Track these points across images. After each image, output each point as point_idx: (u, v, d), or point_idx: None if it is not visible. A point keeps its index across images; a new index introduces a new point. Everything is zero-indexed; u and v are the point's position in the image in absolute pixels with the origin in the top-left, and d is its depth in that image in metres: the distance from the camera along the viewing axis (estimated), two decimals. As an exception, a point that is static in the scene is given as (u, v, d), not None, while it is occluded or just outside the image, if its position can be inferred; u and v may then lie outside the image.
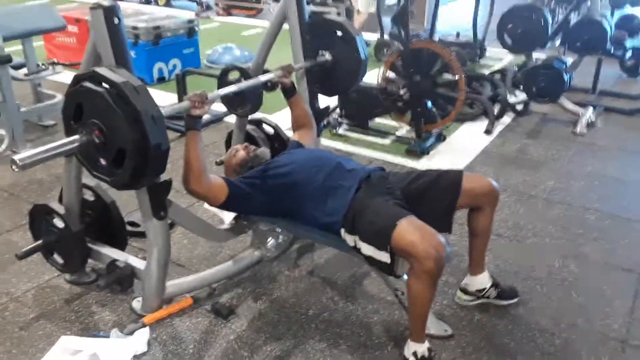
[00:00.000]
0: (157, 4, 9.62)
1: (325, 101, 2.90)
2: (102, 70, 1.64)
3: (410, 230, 1.76)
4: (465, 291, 2.26)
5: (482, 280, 2.22)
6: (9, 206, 3.00)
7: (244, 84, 2.41)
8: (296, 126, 2.52)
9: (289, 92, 2.46)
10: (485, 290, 2.22)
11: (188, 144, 1.94)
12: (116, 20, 1.78)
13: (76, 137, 1.66)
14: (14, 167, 1.55)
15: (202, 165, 1.96)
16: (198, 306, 2.21)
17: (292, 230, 2.33)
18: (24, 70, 3.84)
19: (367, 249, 1.86)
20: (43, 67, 3.85)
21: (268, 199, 2.09)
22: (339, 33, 2.64)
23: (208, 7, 8.95)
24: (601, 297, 2.31)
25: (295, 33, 2.61)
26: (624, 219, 2.94)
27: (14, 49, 3.82)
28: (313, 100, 2.70)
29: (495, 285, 2.23)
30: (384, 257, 1.81)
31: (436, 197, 2.04)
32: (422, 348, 1.90)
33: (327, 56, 2.67)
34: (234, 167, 2.32)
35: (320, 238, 2.16)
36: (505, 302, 2.25)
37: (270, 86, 2.56)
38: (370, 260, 1.87)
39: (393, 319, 2.18)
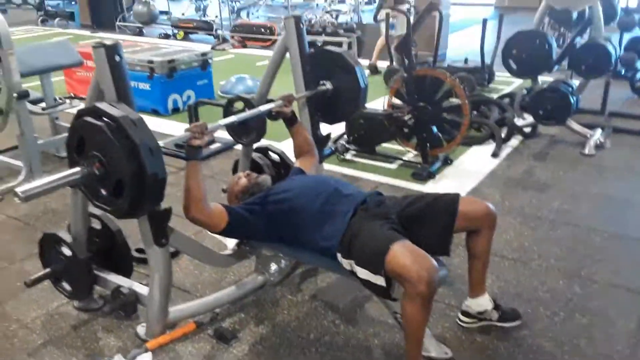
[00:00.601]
0: (175, 38, 9.94)
1: (331, 128, 2.96)
2: (102, 105, 1.73)
3: (402, 253, 1.79)
4: (466, 314, 2.26)
5: (482, 303, 2.23)
6: (23, 235, 3.10)
7: (245, 114, 2.49)
8: (298, 153, 2.57)
9: (290, 121, 2.52)
10: (486, 313, 2.23)
11: (188, 173, 2.01)
12: (117, 58, 1.87)
13: (77, 169, 1.74)
14: (16, 199, 1.62)
15: (202, 194, 2.02)
16: (201, 331, 2.25)
17: (293, 255, 2.37)
18: (43, 105, 4.01)
19: (362, 273, 1.88)
20: (60, 101, 4.01)
21: (268, 224, 2.14)
22: (340, 63, 2.73)
23: (224, 40, 9.20)
24: (605, 319, 2.29)
25: (296, 64, 2.69)
26: (630, 239, 2.91)
27: (33, 84, 4.00)
28: (315, 128, 2.77)
29: (496, 307, 2.23)
30: (380, 280, 1.83)
31: (433, 221, 2.05)
32: (418, 370, 1.90)
33: (328, 85, 2.75)
34: (236, 194, 2.37)
35: (320, 262, 2.20)
36: (507, 325, 2.24)
37: (274, 115, 2.64)
38: (366, 284, 1.90)
39: (393, 342, 2.19)
